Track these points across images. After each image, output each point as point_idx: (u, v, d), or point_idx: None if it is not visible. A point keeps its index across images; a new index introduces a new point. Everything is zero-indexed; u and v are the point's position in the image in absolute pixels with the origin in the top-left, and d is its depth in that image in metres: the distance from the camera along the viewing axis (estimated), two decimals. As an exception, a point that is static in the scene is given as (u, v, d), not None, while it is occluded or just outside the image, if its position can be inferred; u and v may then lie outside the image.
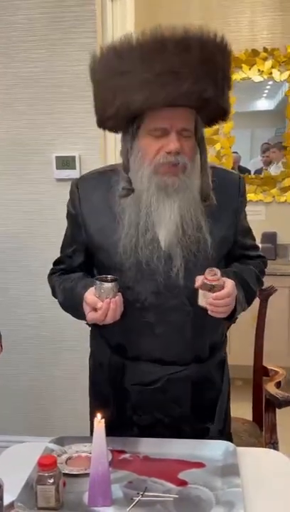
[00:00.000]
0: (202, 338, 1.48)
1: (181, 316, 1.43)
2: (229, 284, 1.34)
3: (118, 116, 1.34)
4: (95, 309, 1.36)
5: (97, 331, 1.55)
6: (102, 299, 1.35)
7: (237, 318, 1.79)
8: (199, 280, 1.34)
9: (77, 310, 1.44)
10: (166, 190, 1.36)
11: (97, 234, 1.46)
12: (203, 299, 1.34)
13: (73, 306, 1.46)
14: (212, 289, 1.32)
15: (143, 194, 1.37)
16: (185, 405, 1.48)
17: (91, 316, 1.38)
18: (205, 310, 1.35)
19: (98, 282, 1.35)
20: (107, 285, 1.35)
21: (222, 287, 1.33)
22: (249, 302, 1.52)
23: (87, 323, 1.49)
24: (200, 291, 1.34)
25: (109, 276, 1.37)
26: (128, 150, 1.38)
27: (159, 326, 1.43)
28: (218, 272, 1.33)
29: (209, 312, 1.35)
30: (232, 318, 1.45)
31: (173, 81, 1.25)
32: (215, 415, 1.52)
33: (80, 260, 1.54)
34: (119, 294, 1.37)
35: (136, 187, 1.37)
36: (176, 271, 1.38)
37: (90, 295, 1.37)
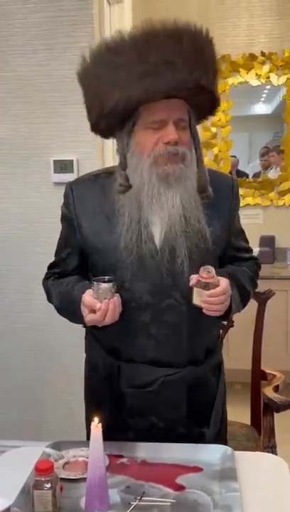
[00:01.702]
0: (198, 340, 1.47)
1: (177, 316, 1.42)
2: (224, 282, 1.34)
3: (116, 111, 1.34)
4: (93, 311, 1.35)
5: (92, 334, 1.55)
6: (101, 300, 1.34)
7: (232, 320, 1.79)
8: (193, 278, 1.34)
9: (74, 313, 1.43)
10: (167, 180, 1.36)
11: (92, 235, 1.45)
12: (198, 297, 1.34)
13: (70, 310, 1.45)
14: (206, 286, 1.32)
15: (144, 187, 1.37)
16: (181, 409, 1.47)
17: (90, 317, 1.37)
18: (199, 309, 1.35)
19: (96, 283, 1.35)
20: (105, 286, 1.34)
21: (217, 285, 1.33)
22: (243, 303, 1.51)
23: (84, 326, 1.49)
24: (195, 290, 1.34)
25: (107, 278, 1.37)
26: (124, 147, 1.39)
27: (154, 326, 1.43)
28: (213, 269, 1.33)
29: (203, 310, 1.34)
30: (227, 317, 1.44)
31: (169, 71, 1.28)
32: (210, 419, 1.51)
33: (75, 263, 1.53)
34: (117, 294, 1.36)
35: (135, 182, 1.38)
36: (180, 261, 1.38)
37: (88, 296, 1.36)
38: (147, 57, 1.28)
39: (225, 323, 1.58)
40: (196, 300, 1.35)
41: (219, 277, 1.34)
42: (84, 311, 1.38)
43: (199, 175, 1.40)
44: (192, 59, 1.30)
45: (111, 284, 1.35)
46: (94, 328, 1.43)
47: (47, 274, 1.60)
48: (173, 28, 1.30)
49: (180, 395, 1.46)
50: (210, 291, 1.32)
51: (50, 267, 1.60)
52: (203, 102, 1.40)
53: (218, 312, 1.36)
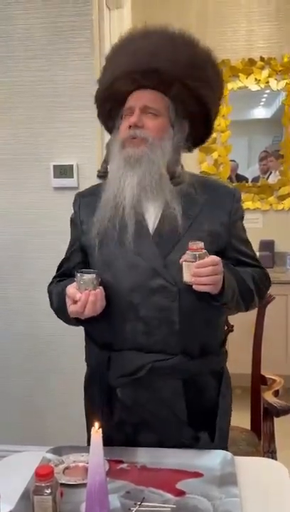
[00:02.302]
0: (192, 331, 1.43)
1: (167, 299, 1.41)
2: (214, 256, 1.33)
3: (105, 99, 1.54)
4: (76, 302, 1.36)
5: (87, 333, 1.55)
6: (81, 291, 1.35)
7: (232, 325, 1.77)
8: (183, 256, 1.34)
9: (64, 310, 1.44)
10: (129, 162, 1.45)
11: (89, 232, 1.50)
12: (187, 272, 1.32)
13: (63, 307, 1.45)
14: (195, 259, 1.31)
15: (114, 171, 1.48)
16: (175, 407, 1.44)
17: (71, 308, 1.37)
18: (191, 290, 1.33)
19: (79, 274, 1.36)
20: (87, 276, 1.35)
21: (207, 256, 1.32)
22: (245, 300, 1.49)
23: (80, 323, 1.47)
24: (184, 264, 1.32)
25: (91, 270, 1.39)
26: (111, 140, 1.54)
27: (143, 308, 1.41)
28: (201, 244, 1.32)
29: (193, 286, 1.32)
30: (220, 298, 1.38)
31: (132, 61, 1.45)
32: (207, 425, 1.48)
33: (78, 260, 1.56)
34: (101, 287, 1.37)
35: (111, 169, 1.50)
36: (150, 238, 1.43)
37: (71, 288, 1.37)
38: (121, 52, 1.50)
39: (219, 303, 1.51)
40: (186, 277, 1.33)
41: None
42: (68, 302, 1.39)
43: (169, 160, 1.47)
44: (155, 49, 1.45)
45: (93, 275, 1.35)
46: (81, 322, 1.43)
47: (52, 278, 1.62)
48: (144, 29, 1.51)
49: (174, 390, 1.43)
50: (198, 262, 1.31)
51: (58, 269, 1.63)
52: (187, 100, 1.48)
53: (209, 287, 1.32)
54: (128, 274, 1.42)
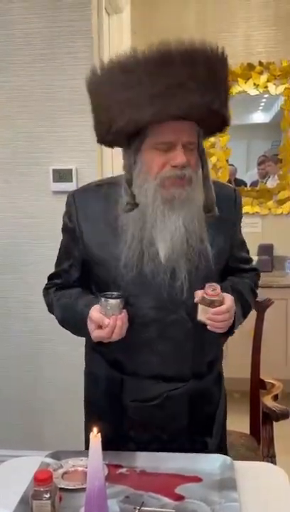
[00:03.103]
0: (202, 355, 1.47)
1: (182, 332, 1.42)
2: (229, 299, 1.35)
3: (124, 130, 1.33)
4: (100, 327, 1.34)
5: (92, 345, 1.52)
6: (108, 316, 1.32)
7: (234, 332, 1.79)
8: (198, 295, 1.33)
9: (78, 327, 1.42)
10: (172, 203, 1.34)
11: (95, 246, 1.44)
12: (203, 314, 1.34)
13: (74, 323, 1.44)
14: (211, 304, 1.32)
15: (148, 208, 1.35)
16: (183, 421, 1.47)
17: (96, 333, 1.35)
18: (204, 325, 1.35)
19: (103, 299, 1.33)
20: (113, 302, 1.33)
21: (222, 302, 1.33)
22: (245, 315, 1.52)
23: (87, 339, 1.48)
24: (200, 306, 1.34)
25: (115, 293, 1.35)
26: (131, 164, 1.37)
27: (159, 342, 1.42)
28: (218, 287, 1.33)
29: (208, 327, 1.35)
30: (230, 333, 1.44)
31: (181, 94, 1.25)
32: (212, 429, 1.51)
33: (77, 275, 1.52)
34: (124, 310, 1.35)
35: (140, 201, 1.36)
36: (180, 283, 1.37)
37: (96, 312, 1.35)
38: (160, 79, 1.25)
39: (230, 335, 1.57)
40: (201, 316, 1.35)
41: (224, 294, 1.34)
42: (91, 326, 1.37)
43: (206, 194, 1.38)
44: (205, 82, 1.28)
45: (119, 300, 1.33)
46: (99, 343, 1.41)
47: (47, 284, 1.58)
48: (188, 49, 1.27)
49: (182, 407, 1.46)
50: (215, 309, 1.32)
51: (51, 277, 1.58)
52: (214, 123, 1.39)
53: (222, 329, 1.36)
54: (146, 309, 1.41)
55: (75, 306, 1.44)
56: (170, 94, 1.25)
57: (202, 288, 1.33)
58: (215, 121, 1.38)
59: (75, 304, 1.44)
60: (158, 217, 1.35)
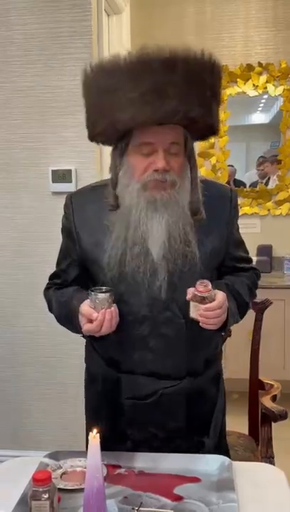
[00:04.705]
0: (197, 352, 1.48)
1: (174, 329, 1.43)
2: (220, 295, 1.35)
3: (106, 133, 1.37)
4: (91, 320, 1.36)
5: (91, 345, 1.56)
6: (98, 310, 1.35)
7: (230, 330, 1.79)
8: (190, 292, 1.34)
9: (72, 323, 1.45)
10: (155, 205, 1.37)
11: (90, 247, 1.47)
12: (194, 311, 1.35)
13: (69, 320, 1.46)
14: (202, 300, 1.33)
15: (132, 209, 1.38)
16: (180, 419, 1.47)
17: (86, 327, 1.38)
18: (196, 322, 1.35)
19: (93, 293, 1.36)
20: (102, 295, 1.35)
21: (213, 299, 1.33)
22: (241, 314, 1.52)
23: (83, 336, 1.49)
24: (191, 303, 1.35)
25: (104, 288, 1.38)
26: (116, 165, 1.41)
27: (153, 339, 1.43)
28: (209, 283, 1.34)
29: (200, 324, 1.35)
30: (224, 329, 1.44)
31: (157, 100, 1.26)
32: (210, 429, 1.52)
33: (75, 274, 1.54)
34: (114, 305, 1.37)
35: (125, 202, 1.39)
36: (159, 284, 1.39)
37: (85, 306, 1.37)
38: (138, 84, 1.26)
39: (223, 334, 1.58)
40: (193, 314, 1.35)
41: (216, 291, 1.35)
42: (82, 320, 1.39)
43: (192, 197, 1.40)
44: (185, 88, 1.27)
45: (108, 294, 1.36)
46: (93, 338, 1.44)
47: (48, 284, 1.61)
48: (169, 56, 1.27)
49: (179, 405, 1.46)
50: (205, 305, 1.33)
51: (51, 277, 1.61)
52: (201, 129, 1.40)
53: (215, 326, 1.37)
54: (138, 307, 1.42)
55: (69, 302, 1.46)
56: (145, 100, 1.26)
57: (191, 287, 1.34)
58: (201, 127, 1.39)
59: (70, 300, 1.47)
60: (141, 219, 1.37)
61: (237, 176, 4.16)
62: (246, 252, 1.61)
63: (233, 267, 1.55)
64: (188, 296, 1.34)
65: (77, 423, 1.63)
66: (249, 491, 1.27)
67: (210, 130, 1.42)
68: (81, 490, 1.21)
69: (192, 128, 1.37)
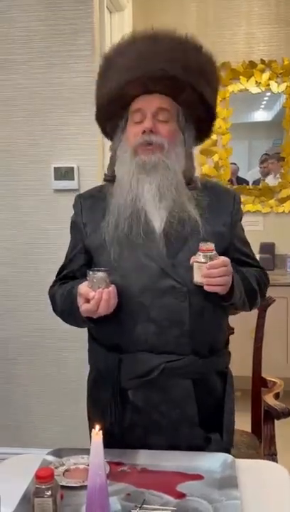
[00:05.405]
0: (201, 330, 1.44)
1: (177, 300, 1.42)
2: (224, 257, 1.36)
3: (108, 113, 1.51)
4: (88, 301, 1.36)
5: (91, 335, 1.55)
6: (95, 290, 1.35)
7: (232, 328, 1.78)
8: (193, 258, 1.35)
9: (73, 310, 1.44)
10: (144, 168, 1.44)
11: (93, 233, 1.51)
12: (198, 274, 1.33)
13: (70, 308, 1.46)
14: (206, 260, 1.32)
15: (125, 175, 1.46)
16: (187, 409, 1.45)
17: (84, 307, 1.37)
18: (201, 291, 1.34)
19: (91, 272, 1.36)
20: (99, 274, 1.35)
21: (217, 257, 1.34)
22: (249, 298, 1.50)
23: (84, 322, 1.46)
24: (195, 265, 1.34)
25: (102, 268, 1.39)
26: (117, 144, 1.52)
27: (154, 310, 1.42)
28: (212, 245, 1.33)
29: (205, 287, 1.34)
30: (229, 299, 1.42)
31: (144, 63, 1.41)
32: (215, 426, 1.50)
33: (81, 262, 1.55)
34: (113, 286, 1.37)
35: (120, 171, 1.48)
36: (157, 248, 1.43)
37: (83, 286, 1.38)
38: (124, 55, 1.44)
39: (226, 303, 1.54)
40: (197, 277, 1.34)
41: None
42: (80, 301, 1.39)
43: (185, 167, 1.47)
44: (168, 55, 1.42)
45: (106, 273, 1.36)
46: (93, 322, 1.42)
47: (53, 282, 1.62)
48: (153, 32, 1.46)
49: (185, 391, 1.44)
50: (210, 262, 1.32)
51: (58, 273, 1.62)
52: (194, 105, 1.48)
53: (220, 288, 1.35)
54: (137, 276, 1.43)
55: (71, 290, 1.47)
56: (130, 65, 1.42)
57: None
58: (191, 100, 1.46)
59: (71, 288, 1.47)
60: (132, 183, 1.45)
61: (240, 174, 4.16)
62: (253, 253, 1.61)
63: (237, 260, 1.53)
64: (192, 259, 1.34)
65: (79, 420, 1.62)
66: (252, 488, 1.27)
67: (202, 108, 1.50)
68: (84, 487, 1.21)
69: (181, 99, 1.46)
